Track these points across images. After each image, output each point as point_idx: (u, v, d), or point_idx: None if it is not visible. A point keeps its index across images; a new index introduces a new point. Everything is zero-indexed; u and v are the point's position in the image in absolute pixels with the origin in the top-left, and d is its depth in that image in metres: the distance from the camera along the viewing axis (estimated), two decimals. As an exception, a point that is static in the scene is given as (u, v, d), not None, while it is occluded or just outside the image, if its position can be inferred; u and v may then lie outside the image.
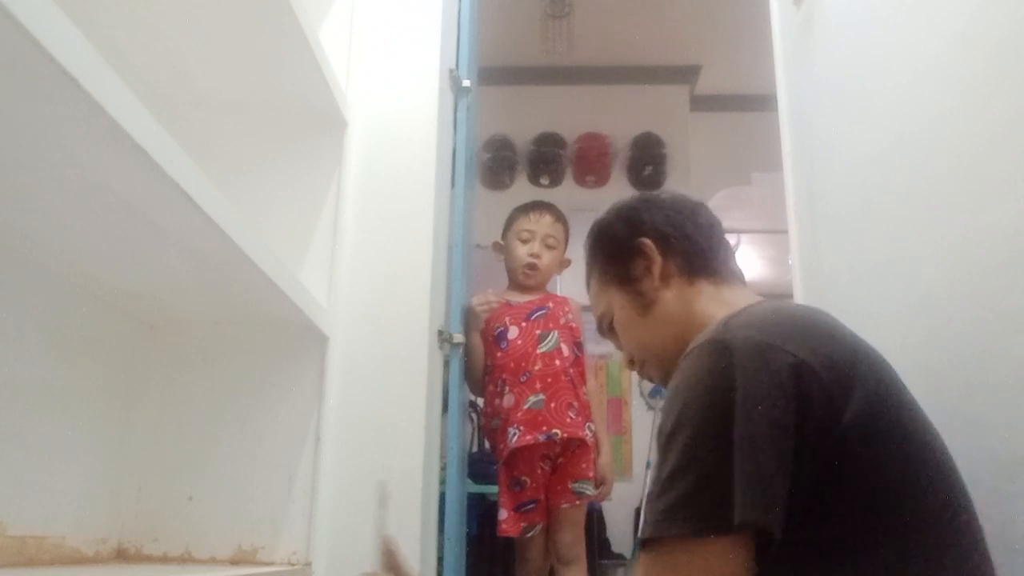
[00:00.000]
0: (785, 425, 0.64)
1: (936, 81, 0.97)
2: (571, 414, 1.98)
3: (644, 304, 0.95)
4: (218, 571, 1.13)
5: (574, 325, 2.13)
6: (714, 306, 0.91)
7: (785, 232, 1.53)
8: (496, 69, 3.35)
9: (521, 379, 1.99)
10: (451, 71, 1.70)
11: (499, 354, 2.05)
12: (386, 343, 1.41)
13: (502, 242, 2.22)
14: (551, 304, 2.12)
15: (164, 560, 1.20)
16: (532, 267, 2.12)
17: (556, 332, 2.06)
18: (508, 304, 2.10)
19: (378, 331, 1.41)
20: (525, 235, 2.14)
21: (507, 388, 2.00)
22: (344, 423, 1.33)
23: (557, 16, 3.83)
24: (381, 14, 1.60)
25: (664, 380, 0.97)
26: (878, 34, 1.15)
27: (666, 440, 0.69)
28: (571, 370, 2.04)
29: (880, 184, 1.13)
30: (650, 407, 4.14)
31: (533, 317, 2.08)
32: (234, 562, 1.20)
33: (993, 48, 0.85)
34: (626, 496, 3.64)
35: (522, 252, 2.13)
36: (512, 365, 2.02)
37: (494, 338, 2.07)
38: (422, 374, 1.40)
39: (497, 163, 4.15)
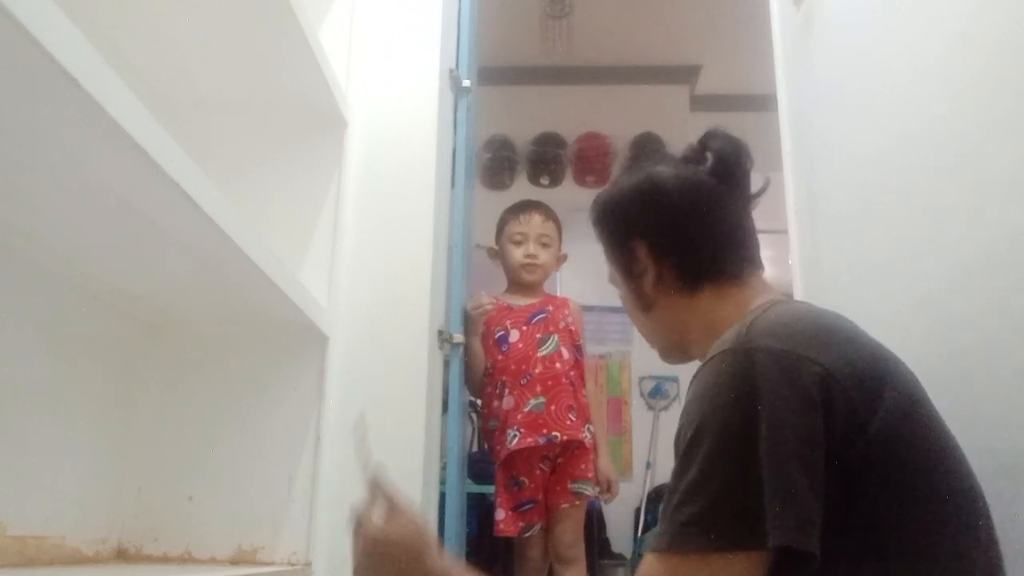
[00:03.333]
0: (815, 440, 0.63)
1: (936, 81, 0.97)
2: (571, 416, 1.99)
3: (645, 304, 0.92)
4: (218, 571, 1.13)
5: (573, 328, 2.13)
6: (720, 306, 0.86)
7: (785, 232, 1.53)
8: (496, 69, 3.34)
9: (521, 382, 2.00)
10: (451, 71, 1.70)
11: (500, 357, 2.05)
12: (386, 343, 1.41)
13: (496, 247, 2.23)
14: (551, 307, 2.13)
15: (164, 560, 1.20)
16: (532, 265, 2.13)
17: (556, 336, 2.07)
18: (509, 307, 2.11)
19: (378, 331, 1.41)
20: (518, 237, 2.15)
21: (507, 390, 2.01)
22: (344, 423, 1.33)
23: (557, 16, 3.83)
24: (381, 14, 1.60)
25: (665, 356, 0.97)
26: (878, 34, 1.15)
27: (686, 449, 0.66)
28: (571, 373, 2.05)
29: (880, 184, 1.13)
30: (650, 407, 4.14)
31: (534, 320, 2.09)
32: (234, 562, 1.20)
33: (993, 48, 0.85)
34: (626, 496, 3.63)
35: (518, 254, 2.14)
36: (512, 368, 2.02)
37: (495, 341, 2.07)
38: (422, 374, 1.40)
39: (497, 163, 4.14)
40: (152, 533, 1.20)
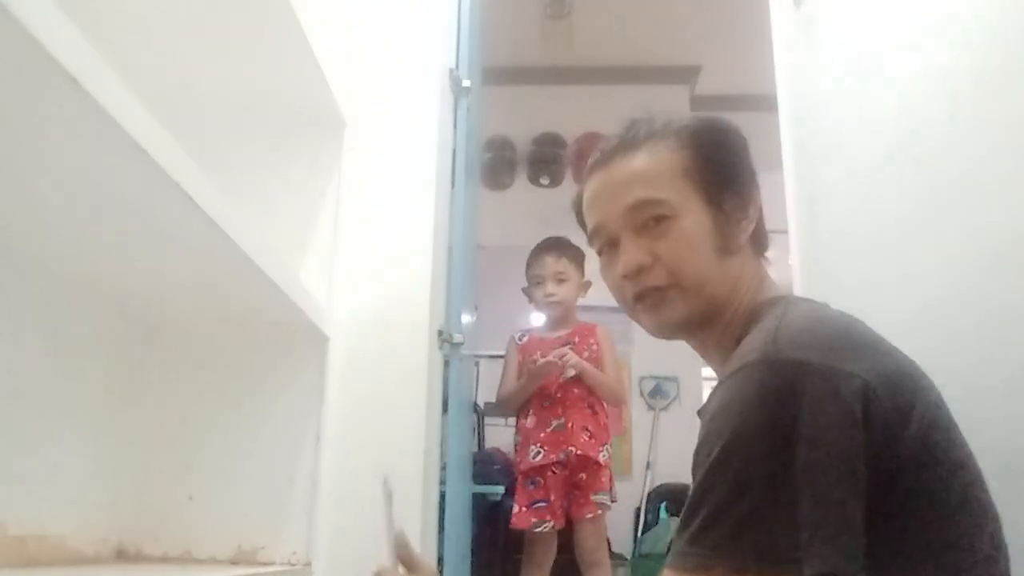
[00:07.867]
0: (859, 459, 0.61)
1: (936, 81, 0.97)
2: (584, 436, 2.26)
3: (732, 246, 0.83)
4: (218, 571, 1.13)
5: (598, 356, 2.36)
6: (755, 288, 0.84)
7: (785, 232, 1.53)
8: (496, 69, 3.34)
9: (544, 404, 2.30)
10: (451, 71, 1.70)
11: None
12: (386, 343, 1.41)
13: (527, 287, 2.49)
14: (577, 338, 2.38)
15: (164, 560, 1.19)
16: (551, 303, 2.39)
17: None
18: (541, 339, 2.40)
19: (378, 331, 1.41)
20: (536, 279, 2.40)
21: (531, 411, 2.31)
22: (344, 423, 1.33)
23: (557, 16, 3.83)
24: (381, 14, 1.60)
25: (664, 312, 0.83)
26: (878, 34, 1.15)
27: (712, 466, 0.63)
28: (590, 397, 2.31)
29: (880, 184, 1.13)
30: (650, 407, 4.14)
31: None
32: (234, 562, 1.20)
33: (995, 48, 0.85)
34: (626, 496, 3.64)
35: (539, 294, 2.40)
36: (537, 392, 2.31)
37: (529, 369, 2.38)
38: (422, 374, 1.40)
39: (497, 163, 4.14)
40: (152, 533, 1.20)
